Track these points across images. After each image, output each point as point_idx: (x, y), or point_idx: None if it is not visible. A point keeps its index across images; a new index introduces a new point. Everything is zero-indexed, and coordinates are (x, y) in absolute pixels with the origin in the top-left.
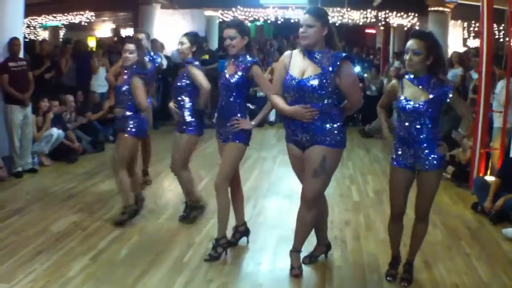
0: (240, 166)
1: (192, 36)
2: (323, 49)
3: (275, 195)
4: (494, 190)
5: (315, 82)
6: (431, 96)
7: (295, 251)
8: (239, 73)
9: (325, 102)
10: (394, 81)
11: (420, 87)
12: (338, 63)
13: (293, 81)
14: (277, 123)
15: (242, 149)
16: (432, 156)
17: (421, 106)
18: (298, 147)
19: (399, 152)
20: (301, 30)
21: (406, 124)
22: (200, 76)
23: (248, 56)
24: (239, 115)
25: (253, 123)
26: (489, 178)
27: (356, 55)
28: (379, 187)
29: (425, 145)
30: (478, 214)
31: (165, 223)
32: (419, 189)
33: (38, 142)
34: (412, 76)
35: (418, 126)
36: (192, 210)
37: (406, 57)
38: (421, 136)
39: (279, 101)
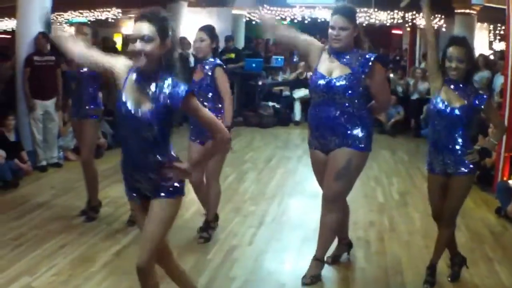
0: (264, 165)
1: (211, 31)
2: (351, 50)
3: (299, 194)
4: None
5: (344, 83)
6: (466, 102)
7: (315, 259)
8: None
9: (355, 106)
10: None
11: (457, 92)
12: (369, 63)
13: (322, 80)
14: (303, 122)
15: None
16: (464, 161)
17: (455, 111)
18: (323, 151)
19: (433, 158)
20: (333, 32)
21: (439, 128)
22: (227, 86)
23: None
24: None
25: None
26: None
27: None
28: (403, 188)
29: (457, 151)
30: (501, 218)
31: (189, 220)
32: (448, 193)
33: (64, 137)
34: (450, 81)
35: (451, 132)
36: (210, 229)
37: (452, 65)
38: (454, 142)
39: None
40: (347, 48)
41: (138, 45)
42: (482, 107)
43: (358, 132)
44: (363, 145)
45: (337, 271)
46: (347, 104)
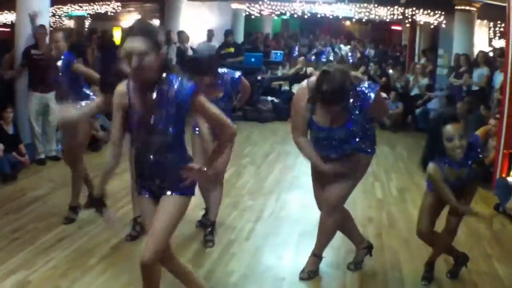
0: (262, 159)
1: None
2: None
3: (298, 189)
4: None
5: (349, 128)
6: (469, 168)
7: (313, 255)
8: None
9: (359, 133)
10: (433, 171)
11: (458, 169)
12: (371, 101)
13: (322, 132)
14: None
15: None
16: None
17: (465, 179)
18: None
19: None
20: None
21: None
22: None
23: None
24: None
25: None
26: None
27: (381, 52)
28: (402, 185)
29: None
30: (500, 215)
31: (188, 214)
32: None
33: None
34: (452, 163)
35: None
36: (214, 231)
37: (455, 144)
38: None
39: (307, 146)
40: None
41: (135, 60)
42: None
43: (363, 139)
44: (366, 150)
45: (335, 267)
46: (351, 139)
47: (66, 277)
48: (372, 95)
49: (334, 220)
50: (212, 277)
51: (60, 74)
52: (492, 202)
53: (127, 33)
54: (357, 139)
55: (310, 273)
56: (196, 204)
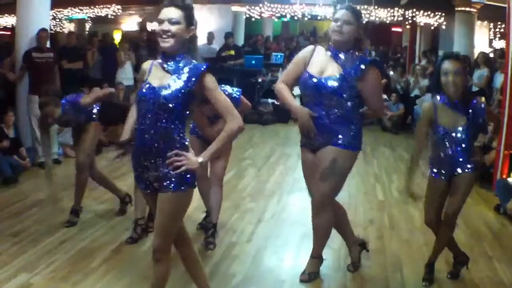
0: (263, 162)
1: None
2: (349, 49)
3: (298, 191)
4: None
5: (334, 84)
6: (468, 121)
7: (312, 257)
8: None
9: (344, 107)
10: (427, 105)
11: (456, 112)
12: (363, 67)
13: (312, 79)
14: None
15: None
16: (467, 160)
17: (461, 135)
18: (312, 150)
19: (435, 165)
20: (336, 24)
21: (444, 149)
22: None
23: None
24: None
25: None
26: None
27: (382, 54)
28: (403, 186)
29: (460, 159)
30: (500, 215)
31: (190, 216)
32: (451, 194)
33: (63, 133)
34: (446, 100)
35: (456, 149)
36: (216, 233)
37: (448, 79)
38: (458, 155)
39: (286, 92)
40: (346, 46)
41: (166, 25)
42: (481, 120)
43: (344, 131)
44: (348, 143)
45: (336, 268)
46: (334, 105)
47: (68, 280)
48: (363, 66)
49: (324, 219)
50: (214, 279)
51: (73, 116)
52: (493, 203)
53: (165, 4)
54: (340, 129)
55: (311, 275)
56: (197, 206)
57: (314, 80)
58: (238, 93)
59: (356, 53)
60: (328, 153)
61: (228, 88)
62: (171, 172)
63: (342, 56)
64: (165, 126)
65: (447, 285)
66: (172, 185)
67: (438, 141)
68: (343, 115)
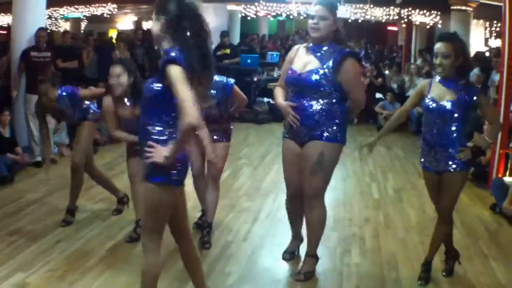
0: (259, 161)
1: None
2: (329, 43)
3: None
4: None
5: (314, 77)
6: (457, 96)
7: (307, 255)
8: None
9: (326, 100)
10: (424, 81)
11: (447, 88)
12: (339, 59)
13: (295, 74)
14: None
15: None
16: (456, 159)
17: (446, 107)
18: (297, 142)
19: (425, 155)
20: (312, 21)
21: (430, 125)
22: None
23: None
24: None
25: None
26: (508, 179)
27: (378, 52)
28: (399, 185)
29: (449, 148)
30: (496, 215)
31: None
32: (441, 190)
33: (59, 133)
34: (441, 78)
35: (442, 128)
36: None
37: (436, 61)
38: (446, 139)
39: (278, 93)
40: (325, 41)
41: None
42: (475, 98)
43: (328, 124)
44: (334, 137)
45: (332, 267)
46: (317, 98)
47: (64, 279)
48: (339, 58)
49: (318, 213)
50: (209, 278)
51: (68, 109)
52: (489, 202)
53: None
54: (324, 122)
55: (307, 274)
56: (193, 206)
57: (296, 74)
58: (230, 82)
59: (336, 46)
60: (315, 148)
61: (221, 79)
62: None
63: (321, 50)
64: (152, 109)
65: (443, 283)
66: (149, 176)
67: (426, 115)
68: (326, 109)
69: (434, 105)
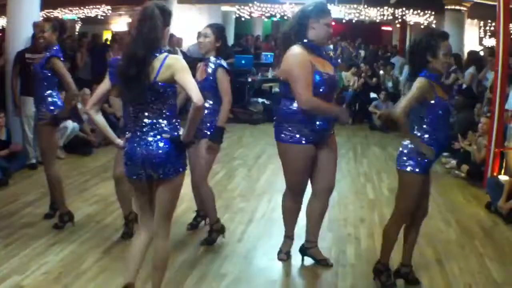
0: (254, 161)
1: (217, 29)
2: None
3: None
4: (508, 190)
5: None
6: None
7: (312, 246)
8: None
9: None
10: (425, 81)
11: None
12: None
13: (325, 75)
14: None
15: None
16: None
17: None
18: (314, 144)
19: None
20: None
21: (443, 123)
22: (228, 88)
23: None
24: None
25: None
26: (503, 177)
27: (372, 52)
28: (394, 185)
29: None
30: (492, 213)
31: (180, 218)
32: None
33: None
34: (439, 79)
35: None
36: (215, 233)
37: (449, 60)
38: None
39: (320, 102)
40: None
41: None
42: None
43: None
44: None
45: (327, 267)
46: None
47: (59, 282)
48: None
49: (325, 205)
50: (205, 280)
51: (36, 67)
52: (484, 201)
53: None
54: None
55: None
56: (188, 206)
57: (328, 75)
58: (221, 64)
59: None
60: (333, 140)
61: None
62: None
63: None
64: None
65: (438, 283)
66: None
67: (438, 116)
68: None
69: (446, 104)
